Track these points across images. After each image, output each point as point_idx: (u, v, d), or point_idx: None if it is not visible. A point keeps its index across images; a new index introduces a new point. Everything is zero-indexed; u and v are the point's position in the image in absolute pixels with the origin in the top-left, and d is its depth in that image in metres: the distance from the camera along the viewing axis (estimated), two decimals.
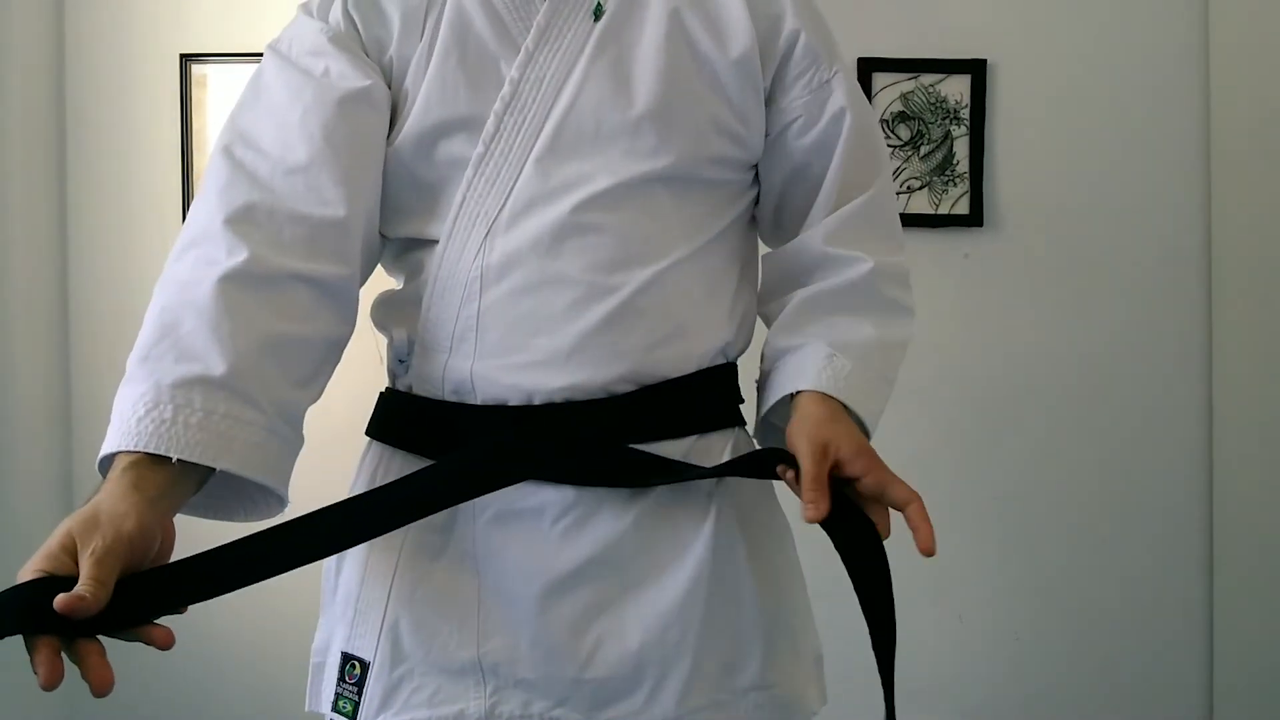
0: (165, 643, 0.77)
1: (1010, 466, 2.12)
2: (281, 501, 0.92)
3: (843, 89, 1.06)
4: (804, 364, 1.00)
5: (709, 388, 1.03)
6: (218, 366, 0.85)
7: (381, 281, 1.08)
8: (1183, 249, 2.11)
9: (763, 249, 1.14)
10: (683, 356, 1.00)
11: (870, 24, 2.09)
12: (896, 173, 2.11)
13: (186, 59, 2.10)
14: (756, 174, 1.08)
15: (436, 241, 0.99)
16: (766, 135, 1.05)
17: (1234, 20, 2.07)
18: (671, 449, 1.00)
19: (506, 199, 0.97)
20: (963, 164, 2.10)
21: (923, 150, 2.11)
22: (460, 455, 0.96)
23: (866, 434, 1.00)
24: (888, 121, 2.11)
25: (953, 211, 2.11)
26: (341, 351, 0.97)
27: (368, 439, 1.07)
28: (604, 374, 0.96)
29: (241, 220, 0.91)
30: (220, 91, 2.10)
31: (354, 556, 1.02)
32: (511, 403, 0.97)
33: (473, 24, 0.99)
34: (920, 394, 2.07)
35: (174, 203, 2.12)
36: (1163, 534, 2.12)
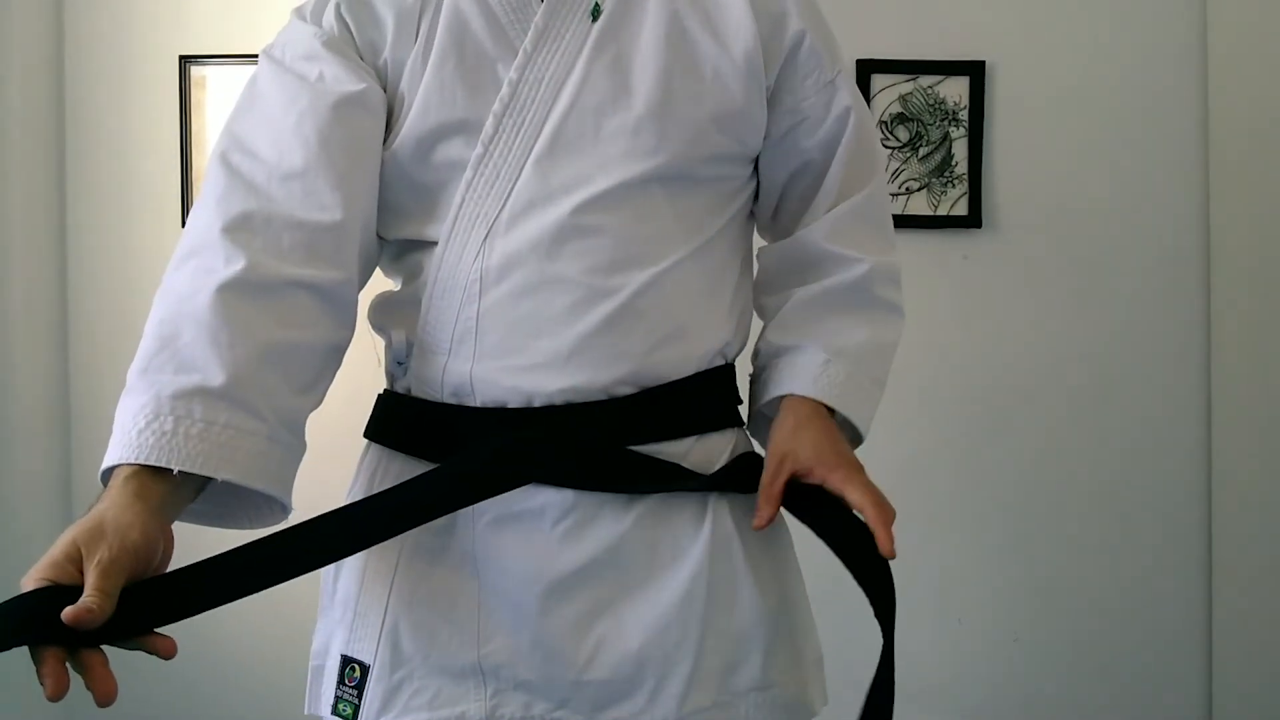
0: (168, 652, 0.78)
1: (1009, 468, 2.12)
2: (284, 509, 0.92)
3: (846, 89, 1.08)
4: (799, 368, 1.03)
5: (709, 389, 1.03)
6: (217, 377, 0.85)
7: (380, 283, 1.08)
8: (1181, 250, 2.11)
9: (758, 241, 1.15)
10: (683, 357, 1.00)
11: (869, 25, 2.09)
12: (895, 174, 2.11)
13: (186, 60, 2.10)
14: (754, 170, 1.09)
15: (435, 243, 0.99)
16: (769, 134, 1.06)
17: (1232, 22, 2.07)
18: (672, 450, 1.00)
19: (506, 200, 0.97)
20: (961, 165, 2.11)
21: (921, 151, 2.11)
22: (461, 459, 0.96)
23: (860, 437, 1.05)
24: (886, 123, 2.11)
25: (951, 213, 2.11)
26: (342, 356, 0.98)
27: (366, 441, 1.07)
28: (604, 376, 0.96)
29: (239, 229, 0.91)
30: (219, 93, 2.10)
31: (353, 559, 1.02)
32: (511, 405, 0.97)
33: (469, 26, 0.99)
34: (919, 395, 2.08)
35: (173, 204, 2.12)
36: (1161, 536, 2.12)
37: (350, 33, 1.00)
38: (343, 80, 0.97)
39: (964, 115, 2.10)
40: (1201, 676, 2.11)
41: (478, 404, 0.98)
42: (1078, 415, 2.12)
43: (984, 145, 2.10)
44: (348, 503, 0.97)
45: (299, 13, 1.03)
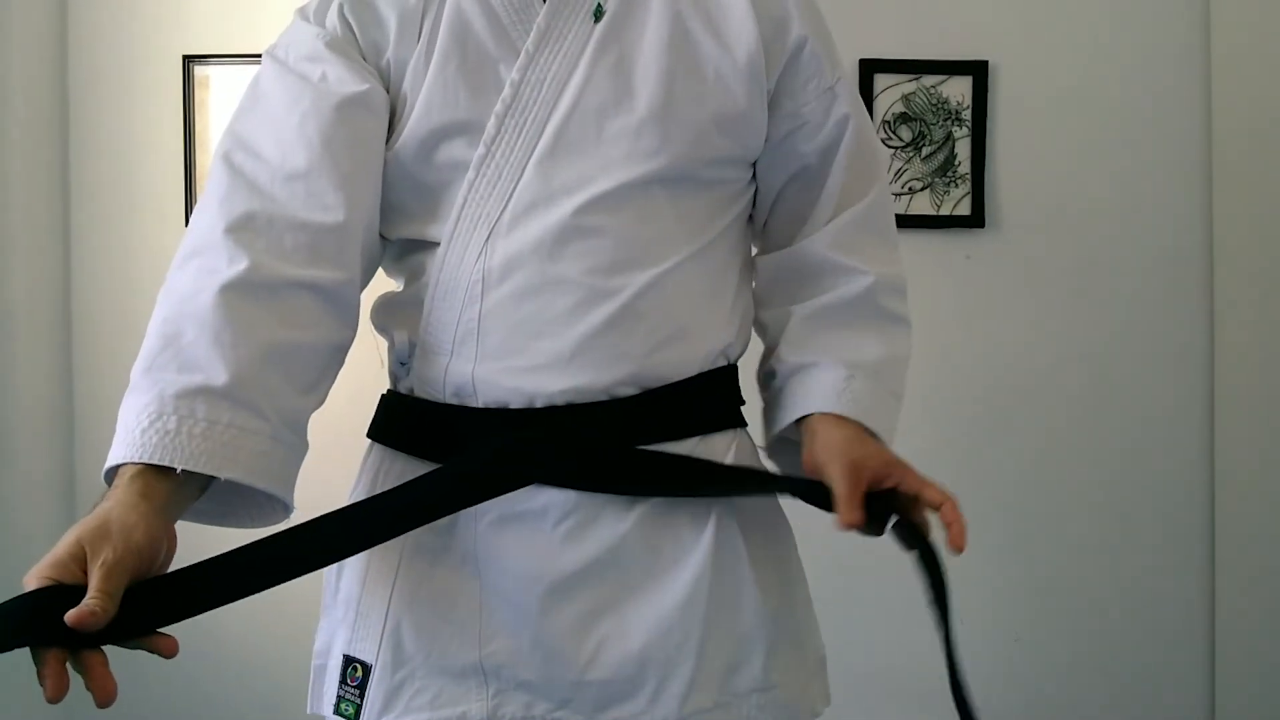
0: (170, 651, 0.78)
1: (1010, 468, 2.12)
2: (286, 508, 0.93)
3: (846, 95, 1.07)
4: (821, 385, 1.02)
5: (711, 390, 1.03)
6: (220, 376, 0.85)
7: (381, 284, 1.08)
8: (1184, 250, 2.10)
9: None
10: (684, 359, 1.00)
11: (872, 25, 2.09)
12: (898, 174, 2.11)
13: (189, 60, 2.10)
14: (754, 173, 1.08)
15: (437, 244, 0.99)
16: (768, 138, 1.05)
17: (1235, 22, 2.07)
18: (674, 450, 1.00)
19: (508, 201, 0.97)
20: (964, 165, 2.10)
21: (924, 151, 2.11)
22: (463, 460, 0.96)
23: None
24: (889, 123, 2.11)
25: (954, 213, 2.11)
26: (344, 356, 0.98)
27: (369, 441, 1.07)
28: (606, 377, 0.96)
29: (242, 229, 0.91)
30: (222, 93, 2.11)
31: (355, 559, 1.02)
32: (513, 405, 0.97)
33: (472, 26, 0.99)
34: (921, 395, 2.05)
35: (176, 204, 2.12)
36: (1164, 536, 2.12)
37: (353, 33, 1.00)
38: (345, 81, 0.97)
39: (967, 115, 2.10)
40: (1204, 677, 2.11)
41: (480, 404, 0.98)
42: (1080, 415, 2.12)
43: (987, 145, 2.10)
44: (350, 503, 0.98)
45: (302, 13, 1.03)
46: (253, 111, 0.99)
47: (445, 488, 0.93)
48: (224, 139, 0.98)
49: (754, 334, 1.11)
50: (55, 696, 0.72)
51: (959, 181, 2.11)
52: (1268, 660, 2.06)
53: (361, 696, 0.99)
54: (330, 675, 1.02)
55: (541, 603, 0.97)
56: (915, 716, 2.12)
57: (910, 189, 2.11)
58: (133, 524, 0.79)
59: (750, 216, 1.11)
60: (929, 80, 2.10)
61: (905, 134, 2.11)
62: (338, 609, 1.03)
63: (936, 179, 2.11)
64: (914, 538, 0.94)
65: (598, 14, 0.99)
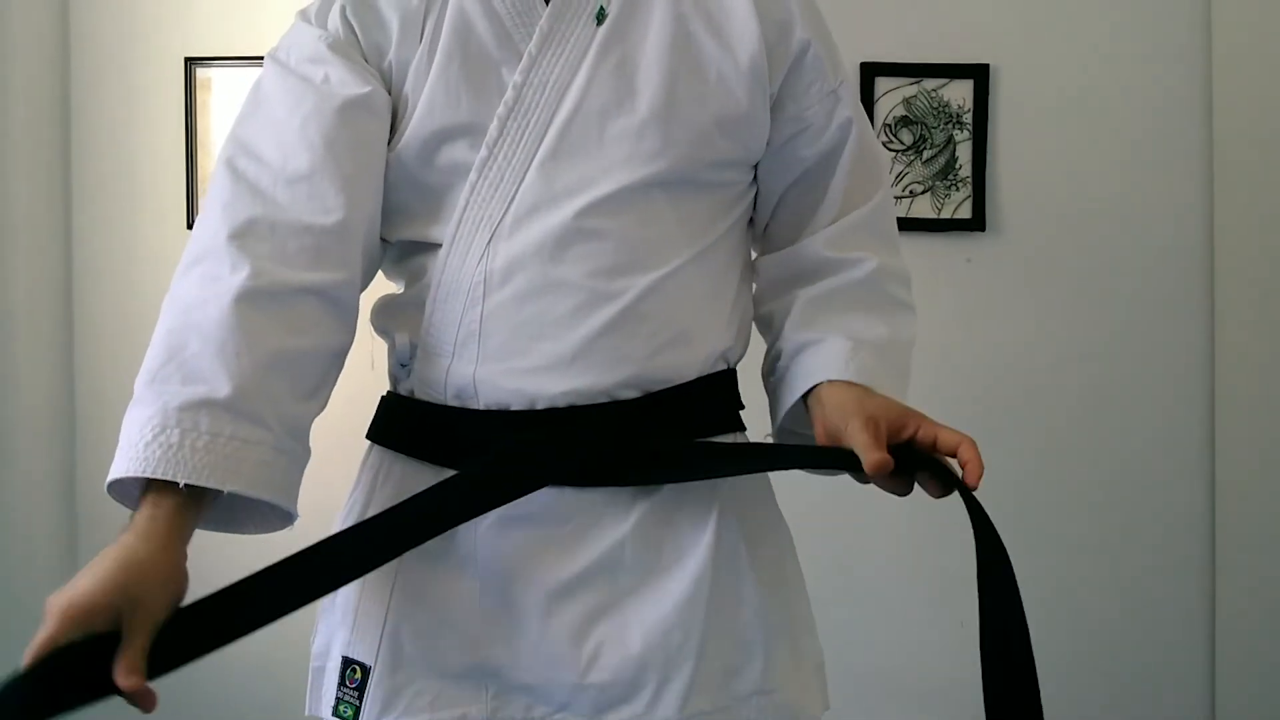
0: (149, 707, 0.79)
1: (1012, 470, 2.11)
2: (290, 516, 0.93)
3: (848, 99, 1.08)
4: (827, 356, 1.01)
5: (712, 393, 1.03)
6: (223, 388, 0.85)
7: (380, 286, 1.08)
8: (1185, 254, 2.10)
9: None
10: (685, 361, 1.00)
11: (873, 29, 2.09)
12: (899, 177, 2.11)
13: (191, 62, 2.11)
14: (755, 176, 1.09)
15: (439, 245, 0.99)
16: (770, 141, 1.05)
17: (1236, 25, 2.07)
18: None
19: (510, 204, 0.97)
20: (965, 168, 2.10)
21: (925, 155, 2.11)
22: (474, 466, 0.95)
23: None
24: (890, 126, 2.11)
25: (955, 216, 2.11)
26: (344, 360, 0.98)
27: (369, 443, 1.07)
28: (607, 379, 0.96)
29: (245, 235, 0.91)
30: (224, 95, 2.11)
31: None
32: (514, 407, 0.97)
33: (474, 28, 0.99)
34: (921, 397, 2.05)
35: (178, 205, 2.12)
36: (1165, 540, 2.11)
37: (355, 35, 1.00)
38: (347, 83, 0.97)
39: (968, 118, 2.10)
40: (1204, 678, 2.11)
41: (481, 406, 0.98)
42: (1080, 417, 2.12)
43: (988, 148, 2.10)
44: (364, 519, 0.97)
45: (303, 15, 1.03)
46: (255, 115, 0.99)
47: (458, 496, 0.93)
48: (227, 144, 0.98)
49: (753, 336, 1.11)
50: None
51: (960, 185, 2.11)
52: (1268, 661, 2.06)
53: (360, 698, 0.98)
54: (329, 677, 1.02)
55: (541, 605, 0.96)
56: (914, 717, 2.12)
57: (911, 192, 2.11)
58: (168, 575, 0.81)
59: (750, 219, 1.12)
60: (930, 83, 2.10)
61: (906, 137, 2.11)
62: (336, 611, 1.03)
63: (937, 182, 2.11)
64: (945, 482, 0.94)
65: (600, 16, 0.99)
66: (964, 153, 2.10)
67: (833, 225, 1.07)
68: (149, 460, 0.82)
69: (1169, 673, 2.11)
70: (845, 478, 0.99)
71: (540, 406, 0.96)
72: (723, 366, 1.04)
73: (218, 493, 0.86)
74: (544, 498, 0.97)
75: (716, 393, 1.04)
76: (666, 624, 0.97)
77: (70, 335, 2.14)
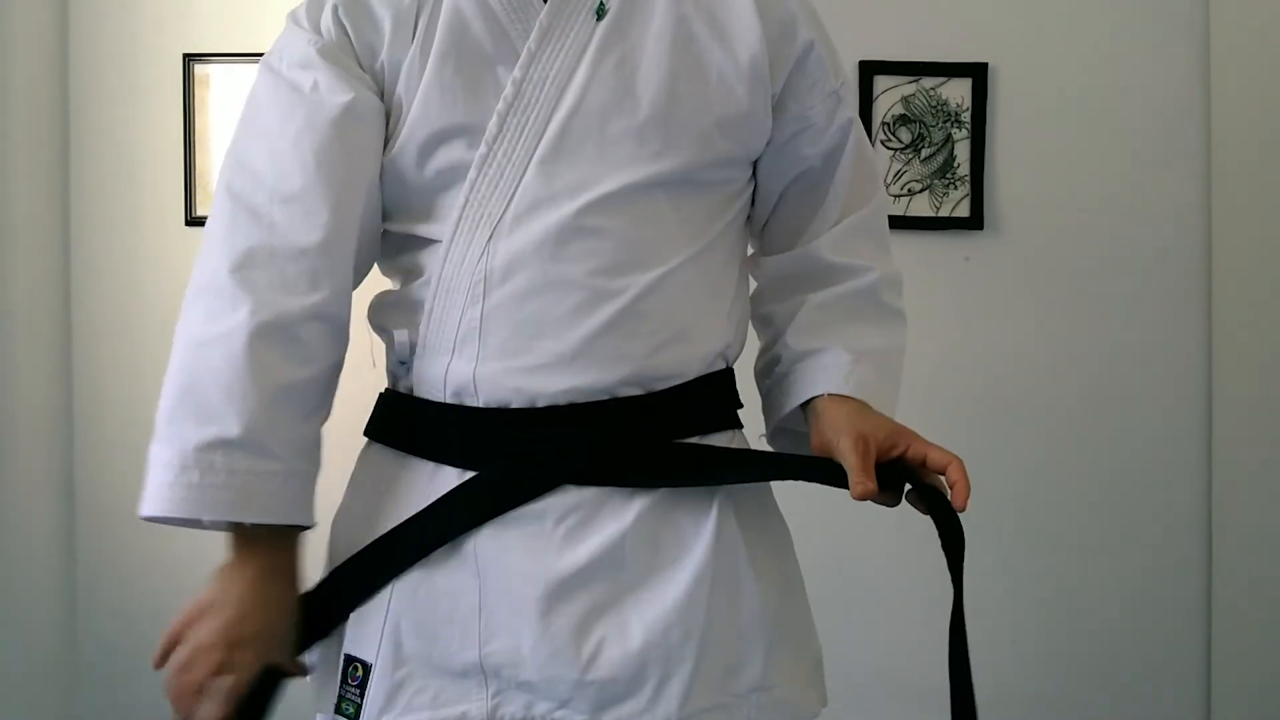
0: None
1: (1009, 469, 2.12)
2: (305, 526, 0.99)
3: (849, 101, 1.10)
4: (828, 368, 1.04)
5: (710, 394, 1.03)
6: (234, 428, 0.92)
7: (377, 282, 1.08)
8: (1183, 252, 2.11)
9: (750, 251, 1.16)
10: (685, 359, 1.00)
11: (872, 27, 2.09)
12: (897, 175, 2.11)
13: (190, 59, 2.11)
14: (754, 173, 1.09)
15: (438, 242, 0.99)
16: (772, 140, 1.06)
17: (1235, 24, 2.07)
18: None
19: (510, 201, 0.97)
20: (963, 167, 2.11)
21: (924, 153, 2.12)
22: (485, 472, 0.98)
23: None
24: (889, 124, 2.11)
25: (953, 214, 2.11)
26: (343, 366, 1.01)
27: (366, 439, 1.08)
28: (608, 377, 0.96)
29: (245, 266, 0.94)
30: (223, 91, 2.11)
31: None
32: (514, 405, 0.97)
33: (470, 27, 0.99)
34: (919, 396, 2.06)
35: (177, 203, 2.12)
36: (1162, 538, 2.12)
37: (348, 36, 1.00)
38: (337, 90, 0.98)
39: (966, 117, 2.10)
40: (1200, 679, 2.11)
41: (480, 404, 0.98)
42: (1078, 417, 2.12)
43: (986, 147, 2.10)
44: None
45: (294, 17, 1.03)
46: (249, 128, 1.01)
47: (471, 503, 0.97)
48: (226, 162, 1.00)
49: (748, 334, 1.12)
50: None
51: (958, 183, 2.11)
52: (1264, 661, 2.06)
53: (362, 696, 0.99)
54: (332, 674, 1.02)
55: (541, 602, 0.97)
56: (914, 717, 2.12)
57: (909, 191, 2.12)
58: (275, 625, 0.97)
59: (748, 217, 1.12)
60: (928, 82, 2.10)
61: (905, 136, 2.11)
62: None
63: (936, 181, 2.11)
64: (930, 501, 0.97)
65: (600, 12, 0.99)
66: (962, 151, 2.11)
67: (835, 228, 1.09)
68: (174, 500, 0.92)
69: (1165, 672, 2.11)
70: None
71: (541, 405, 0.96)
72: (722, 365, 1.04)
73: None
74: (545, 495, 0.97)
75: (716, 392, 1.04)
76: (667, 621, 0.97)
77: (69, 334, 2.14)
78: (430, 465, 1.00)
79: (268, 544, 0.96)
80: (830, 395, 1.02)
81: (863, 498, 0.95)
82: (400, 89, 0.99)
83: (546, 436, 0.97)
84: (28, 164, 2.04)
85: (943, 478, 0.97)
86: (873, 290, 1.09)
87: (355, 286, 1.02)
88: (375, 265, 1.09)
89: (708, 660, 0.98)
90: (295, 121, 0.97)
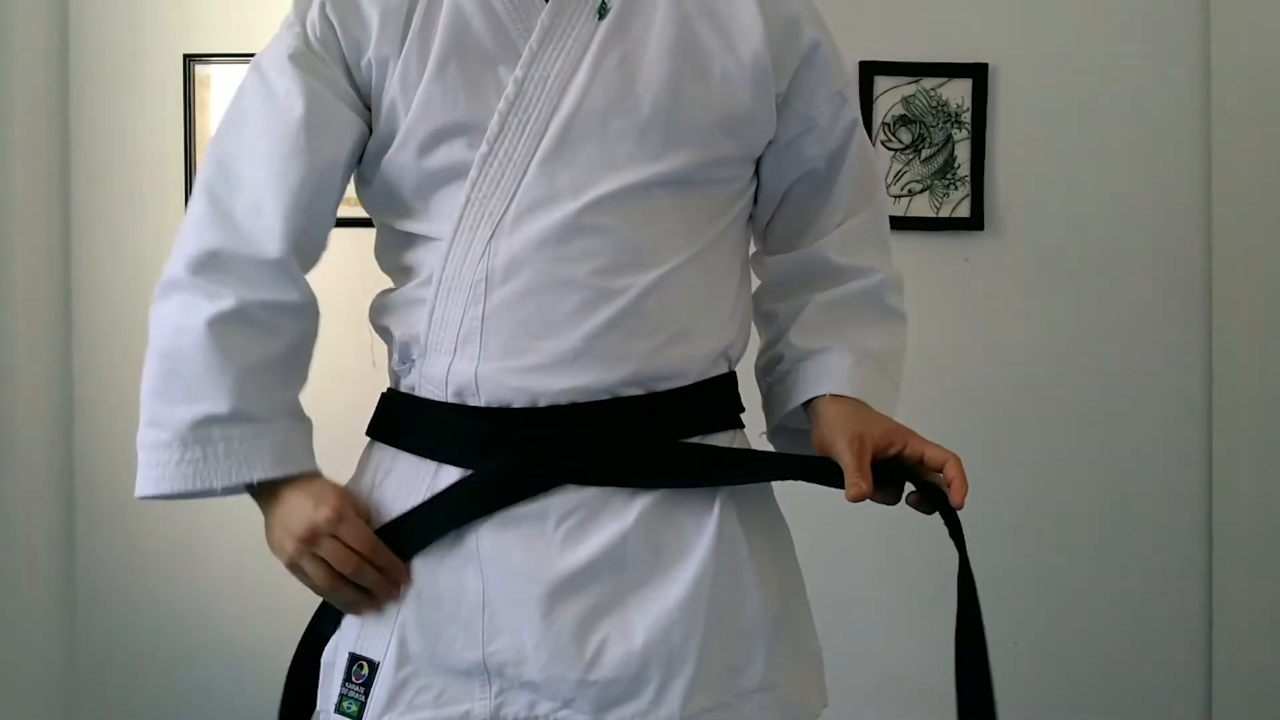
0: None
1: (1009, 469, 2.12)
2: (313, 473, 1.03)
3: (853, 101, 1.10)
4: (831, 368, 1.05)
5: (712, 397, 1.04)
6: (222, 404, 0.96)
7: (378, 282, 1.08)
8: (1183, 252, 2.11)
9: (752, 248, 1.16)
10: (687, 358, 1.00)
11: (872, 28, 2.09)
12: (898, 176, 2.11)
13: (190, 59, 2.11)
14: (755, 172, 1.09)
15: (439, 241, 0.99)
16: (776, 139, 1.06)
17: (1235, 24, 2.07)
18: None
19: (511, 200, 0.97)
20: (964, 167, 2.11)
21: (924, 154, 2.12)
22: (488, 467, 0.98)
23: None
24: (889, 125, 2.11)
25: (953, 215, 2.11)
26: (314, 342, 1.05)
27: (368, 439, 1.08)
28: (610, 376, 0.96)
29: (212, 267, 0.98)
30: (224, 92, 2.11)
31: None
32: (516, 405, 0.97)
33: (471, 26, 0.99)
34: (919, 397, 2.06)
35: (177, 203, 2.11)
36: (1162, 538, 2.12)
37: (334, 31, 1.00)
38: (298, 98, 0.98)
39: (966, 117, 2.10)
40: (1201, 679, 2.11)
41: (482, 404, 0.98)
42: (1079, 416, 2.12)
43: (986, 147, 2.11)
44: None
45: (290, 13, 1.03)
46: (232, 128, 1.02)
47: (473, 496, 0.98)
48: (208, 156, 1.02)
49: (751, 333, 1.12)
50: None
51: (958, 184, 2.11)
52: (1264, 662, 2.06)
53: (366, 694, 0.99)
54: (335, 673, 1.02)
55: (544, 602, 0.97)
56: (915, 716, 2.12)
57: (910, 191, 2.12)
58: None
59: (750, 216, 1.12)
60: (929, 83, 2.10)
61: (905, 136, 2.12)
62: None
63: (936, 181, 2.11)
64: (931, 499, 0.98)
65: (601, 11, 0.99)
66: (962, 152, 2.11)
67: (839, 229, 1.10)
68: (184, 478, 0.96)
69: (1166, 673, 2.11)
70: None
71: (543, 404, 0.96)
72: (724, 366, 1.05)
73: None
74: (547, 495, 0.97)
75: (718, 395, 1.05)
76: (669, 621, 0.97)
77: (69, 333, 2.14)
78: (433, 465, 1.00)
79: (281, 483, 0.99)
80: (831, 395, 1.03)
81: (857, 499, 0.95)
82: (393, 86, 0.99)
83: (548, 436, 0.97)
84: (28, 164, 2.04)
85: (941, 475, 0.97)
86: (877, 292, 1.10)
87: (312, 266, 1.05)
88: (377, 265, 1.09)
89: (710, 660, 0.98)
90: (268, 131, 0.99)
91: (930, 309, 2.00)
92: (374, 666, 0.99)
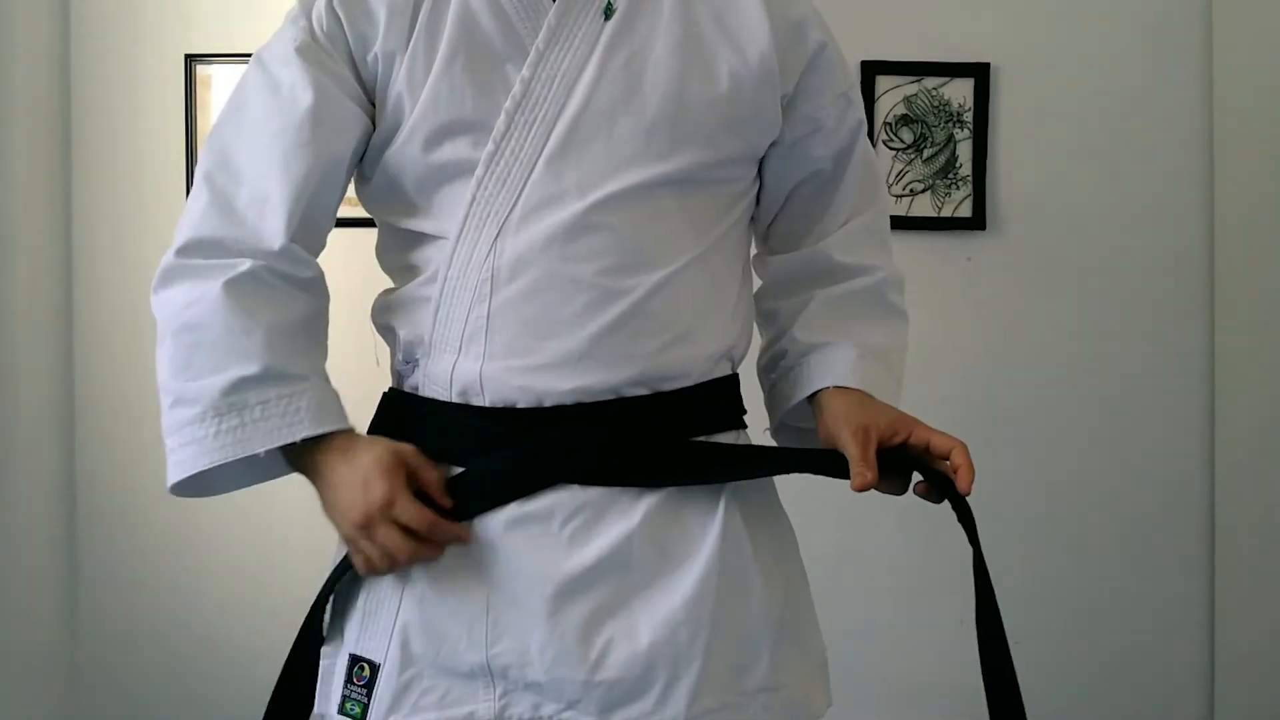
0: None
1: (1011, 468, 2.12)
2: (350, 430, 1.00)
3: (858, 103, 1.11)
4: (835, 362, 1.06)
5: (716, 399, 1.04)
6: (253, 364, 0.94)
7: (380, 281, 1.08)
8: (1185, 252, 2.11)
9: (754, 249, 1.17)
10: (692, 358, 1.00)
11: (874, 27, 2.09)
12: (899, 175, 2.11)
13: (191, 59, 2.11)
14: (758, 172, 1.09)
15: (443, 239, 0.99)
16: (782, 139, 1.06)
17: (1237, 24, 2.07)
18: None
19: (517, 199, 0.97)
20: (965, 167, 2.11)
21: (925, 153, 2.11)
22: (490, 462, 0.98)
23: None
24: (891, 124, 2.11)
25: (955, 214, 2.11)
26: (327, 318, 1.04)
27: None
28: (615, 376, 0.96)
29: (215, 253, 0.97)
30: (225, 92, 2.09)
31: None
32: (520, 405, 0.97)
33: (480, 24, 0.99)
34: (921, 396, 2.05)
35: (178, 203, 2.10)
36: (1164, 538, 2.12)
37: (341, 25, 1.00)
38: (305, 91, 0.98)
39: (968, 117, 2.10)
40: (1203, 679, 2.11)
41: (486, 403, 0.98)
42: (1080, 416, 2.12)
43: (988, 147, 2.11)
44: None
45: (294, 8, 1.03)
46: (233, 118, 1.02)
47: (475, 488, 0.97)
48: (209, 146, 1.01)
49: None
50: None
51: (960, 183, 2.11)
52: (1267, 661, 2.06)
53: (369, 696, 0.99)
54: (336, 675, 1.01)
55: (549, 603, 0.96)
56: (915, 716, 2.12)
57: (911, 191, 2.12)
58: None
59: (752, 216, 1.12)
60: (931, 82, 2.10)
61: (907, 136, 2.11)
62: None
63: (938, 181, 2.11)
64: (939, 488, 0.98)
65: (608, 11, 0.99)
66: (964, 151, 2.11)
67: (842, 229, 1.11)
68: (225, 447, 0.93)
69: (1168, 672, 2.11)
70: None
71: (547, 404, 0.96)
72: (727, 367, 1.05)
73: None
74: (551, 496, 0.97)
75: (721, 397, 1.05)
76: (674, 621, 0.97)
77: (70, 333, 2.14)
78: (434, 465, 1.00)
79: (322, 449, 0.96)
80: (835, 388, 1.04)
81: (862, 488, 0.95)
82: (399, 81, 0.99)
83: (553, 436, 0.96)
84: (29, 164, 2.04)
85: (948, 462, 0.97)
86: (879, 289, 1.11)
87: (318, 251, 1.05)
88: (378, 265, 1.09)
89: (715, 660, 0.98)
90: (272, 122, 0.98)
91: (932, 309, 2.00)
92: (375, 668, 0.99)
